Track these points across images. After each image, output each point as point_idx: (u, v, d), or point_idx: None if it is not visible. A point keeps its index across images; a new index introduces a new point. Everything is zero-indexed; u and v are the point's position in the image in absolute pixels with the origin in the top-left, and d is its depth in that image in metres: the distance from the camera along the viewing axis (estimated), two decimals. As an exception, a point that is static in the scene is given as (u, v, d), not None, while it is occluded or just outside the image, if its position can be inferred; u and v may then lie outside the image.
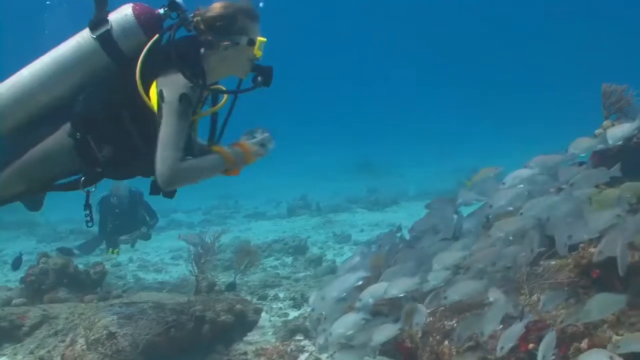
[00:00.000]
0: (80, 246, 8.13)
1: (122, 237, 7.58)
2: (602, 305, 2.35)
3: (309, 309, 3.21)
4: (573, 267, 2.89)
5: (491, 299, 2.53)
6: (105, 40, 2.49)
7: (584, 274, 2.83)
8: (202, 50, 2.51)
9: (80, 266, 6.36)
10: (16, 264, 6.41)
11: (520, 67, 38.47)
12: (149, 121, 2.41)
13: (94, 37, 2.49)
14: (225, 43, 2.47)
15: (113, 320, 3.80)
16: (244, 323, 4.41)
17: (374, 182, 16.66)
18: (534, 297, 2.74)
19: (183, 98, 2.33)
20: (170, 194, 2.62)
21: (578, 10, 38.38)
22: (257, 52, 2.56)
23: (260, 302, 6.26)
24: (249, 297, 6.32)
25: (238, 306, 4.37)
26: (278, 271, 7.99)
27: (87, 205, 2.80)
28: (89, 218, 2.81)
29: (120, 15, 2.51)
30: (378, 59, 43.42)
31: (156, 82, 2.39)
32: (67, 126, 2.54)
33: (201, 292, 4.73)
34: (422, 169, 19.50)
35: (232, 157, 2.52)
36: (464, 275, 2.64)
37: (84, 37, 2.53)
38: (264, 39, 2.56)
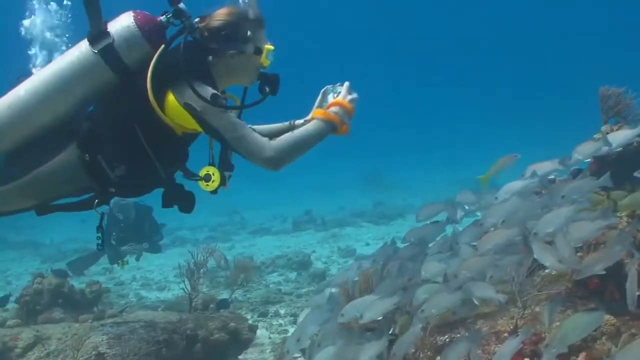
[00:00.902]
0: (70, 264, 7.89)
1: (124, 247, 7.42)
2: (576, 328, 2.22)
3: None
4: (570, 277, 2.78)
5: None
6: (108, 53, 2.34)
7: (580, 285, 2.72)
8: (210, 58, 2.39)
9: (83, 285, 6.30)
10: (2, 302, 6.35)
11: (525, 69, 38.20)
12: (161, 134, 2.33)
13: (95, 51, 2.33)
14: (231, 52, 2.38)
15: (102, 340, 3.73)
16: (238, 341, 4.32)
17: (380, 195, 16.55)
18: (528, 310, 2.63)
19: (213, 97, 2.22)
20: (188, 209, 2.48)
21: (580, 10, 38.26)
22: (265, 60, 2.45)
23: (260, 318, 6.17)
24: (249, 314, 6.23)
25: (232, 324, 4.28)
26: (281, 287, 7.89)
27: (100, 227, 2.64)
28: (100, 240, 2.65)
29: (122, 27, 2.36)
30: (380, 63, 43.16)
31: (174, 96, 2.27)
32: (73, 147, 2.41)
33: (196, 309, 4.64)
34: (429, 181, 19.33)
35: (335, 116, 2.35)
36: (445, 286, 2.54)
37: (82, 51, 2.38)
38: (272, 47, 2.45)
